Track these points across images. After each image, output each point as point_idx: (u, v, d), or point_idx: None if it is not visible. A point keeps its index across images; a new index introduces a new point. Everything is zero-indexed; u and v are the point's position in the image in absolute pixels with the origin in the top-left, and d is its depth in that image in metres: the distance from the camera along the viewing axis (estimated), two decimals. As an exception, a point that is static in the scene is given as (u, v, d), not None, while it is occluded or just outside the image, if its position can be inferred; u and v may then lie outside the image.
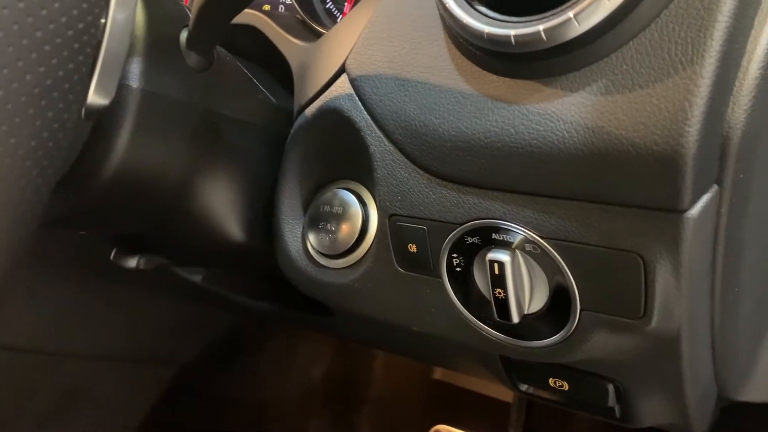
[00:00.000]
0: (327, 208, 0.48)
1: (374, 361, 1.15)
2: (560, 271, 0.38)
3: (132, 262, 0.53)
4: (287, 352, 1.18)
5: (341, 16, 0.60)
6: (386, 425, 1.12)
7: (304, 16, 0.60)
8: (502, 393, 1.01)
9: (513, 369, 0.51)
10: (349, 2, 0.60)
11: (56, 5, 0.22)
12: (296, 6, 0.60)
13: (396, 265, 0.44)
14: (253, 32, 0.60)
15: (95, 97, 0.30)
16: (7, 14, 0.21)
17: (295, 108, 0.51)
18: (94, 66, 0.29)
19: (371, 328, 0.57)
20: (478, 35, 0.35)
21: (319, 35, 0.58)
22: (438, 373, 1.10)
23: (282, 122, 0.52)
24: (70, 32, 0.23)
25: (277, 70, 0.57)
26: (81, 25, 0.24)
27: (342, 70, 0.45)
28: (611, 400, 0.46)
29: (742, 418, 0.59)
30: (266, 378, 1.18)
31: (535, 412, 0.98)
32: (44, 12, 0.22)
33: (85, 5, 0.23)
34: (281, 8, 0.62)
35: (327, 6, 0.61)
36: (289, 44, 0.56)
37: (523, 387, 0.52)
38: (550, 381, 0.48)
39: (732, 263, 0.38)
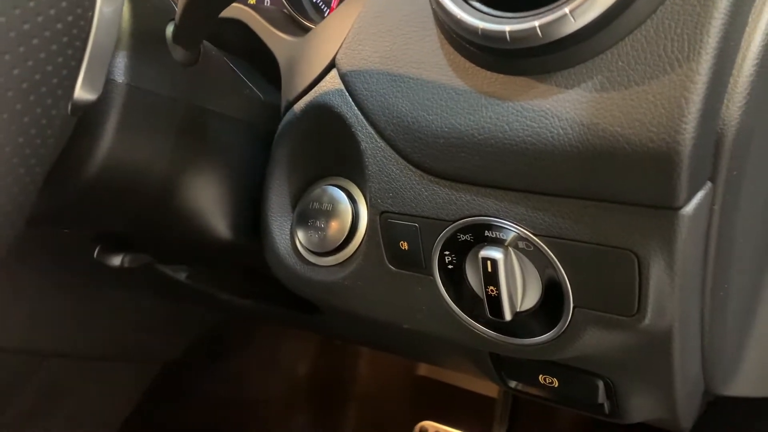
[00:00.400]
0: (316, 205, 0.47)
1: (359, 358, 1.15)
2: (553, 269, 0.37)
3: (116, 260, 0.52)
4: (272, 350, 1.17)
5: (328, 10, 0.60)
6: (372, 422, 1.12)
7: (290, 10, 0.59)
8: (488, 389, 1.01)
9: (503, 366, 0.51)
10: (337, -4, 0.59)
11: (67, 2, 0.21)
12: (283, 0, 0.59)
13: (387, 263, 0.44)
14: (237, 26, 0.59)
15: (82, 93, 0.29)
16: None
17: (283, 103, 0.50)
18: (82, 60, 0.28)
19: (359, 325, 0.57)
20: (473, 31, 0.35)
21: (306, 30, 0.57)
22: (423, 369, 1.10)
23: (269, 118, 0.52)
24: (59, 25, 0.22)
25: (263, 64, 0.56)
26: (70, 18, 0.23)
27: (332, 65, 0.44)
28: (601, 397, 0.46)
29: (726, 412, 0.60)
30: (251, 376, 1.17)
31: (520, 407, 0.99)
32: (32, 4, 0.21)
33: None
34: (267, 2, 0.61)
35: (314, 0, 0.60)
36: (276, 39, 0.55)
37: (513, 384, 0.52)
38: (540, 378, 0.48)
39: (723, 260, 0.38)
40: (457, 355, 0.56)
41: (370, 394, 1.13)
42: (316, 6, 0.60)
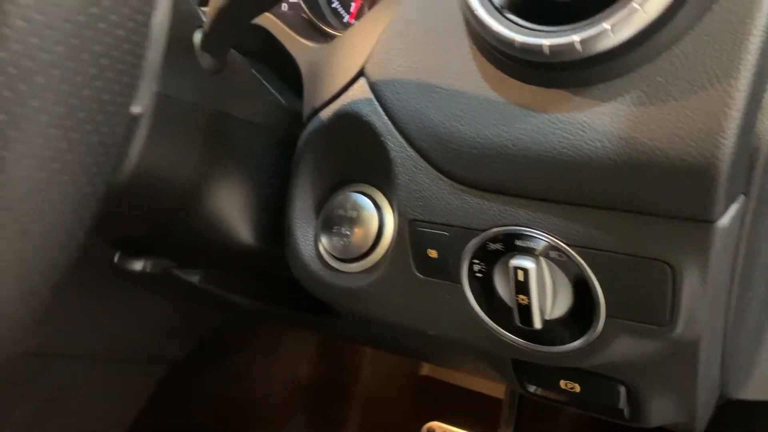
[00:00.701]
0: (341, 212, 0.47)
1: (363, 359, 1.15)
2: (585, 278, 0.38)
3: (138, 265, 0.52)
4: (274, 350, 1.17)
5: (348, 16, 0.60)
6: (377, 422, 1.13)
7: (310, 15, 0.59)
8: (493, 389, 1.02)
9: (524, 371, 0.51)
10: (357, 2, 0.59)
11: (133, 23, 0.21)
12: (302, 4, 0.59)
13: (414, 270, 0.44)
14: (254, 30, 0.59)
15: (133, 106, 0.29)
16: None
17: (306, 110, 0.50)
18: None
19: (377, 329, 0.57)
20: (509, 44, 0.35)
21: (325, 35, 0.57)
22: (427, 370, 1.10)
23: (291, 124, 0.52)
24: (126, 45, 0.22)
25: (280, 69, 0.56)
26: (135, 38, 0.23)
27: (360, 73, 0.44)
28: (622, 402, 0.47)
29: (735, 413, 0.61)
30: (253, 376, 1.17)
31: (526, 408, 0.99)
32: (102, 25, 0.21)
33: (141, 19, 0.22)
34: (285, 6, 0.61)
35: (333, 5, 0.60)
36: (298, 44, 0.55)
37: (532, 388, 0.52)
38: (562, 383, 0.49)
39: (749, 269, 0.39)
40: (476, 360, 0.57)
41: (375, 394, 1.14)
42: (335, 11, 0.60)
